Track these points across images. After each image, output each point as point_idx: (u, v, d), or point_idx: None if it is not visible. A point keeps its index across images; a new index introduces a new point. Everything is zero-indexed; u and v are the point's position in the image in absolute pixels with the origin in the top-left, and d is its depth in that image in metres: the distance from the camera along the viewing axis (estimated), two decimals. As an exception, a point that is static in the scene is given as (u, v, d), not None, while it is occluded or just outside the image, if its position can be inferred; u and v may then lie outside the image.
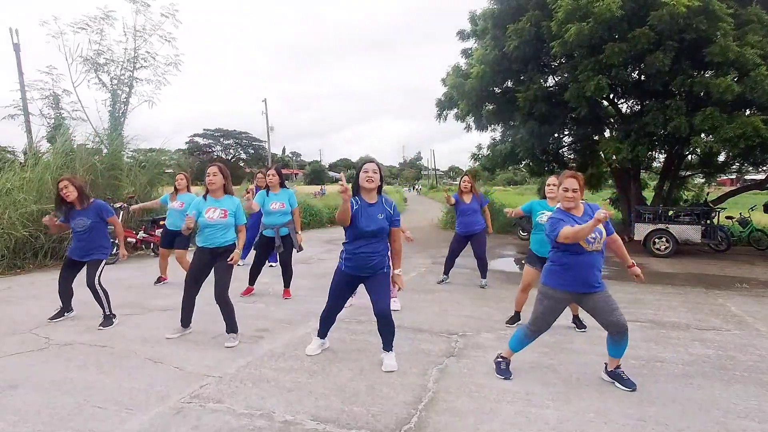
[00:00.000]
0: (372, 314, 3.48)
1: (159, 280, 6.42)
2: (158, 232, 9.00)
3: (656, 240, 9.23)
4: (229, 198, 4.05)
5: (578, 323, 4.40)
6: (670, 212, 10.03)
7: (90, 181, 8.80)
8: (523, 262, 8.91)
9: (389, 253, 3.43)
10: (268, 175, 5.46)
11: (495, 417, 2.70)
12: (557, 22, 8.26)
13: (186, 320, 4.18)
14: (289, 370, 3.36)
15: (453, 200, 6.16)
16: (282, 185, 5.46)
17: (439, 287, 6.26)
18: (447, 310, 5.08)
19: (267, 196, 5.40)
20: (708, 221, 9.71)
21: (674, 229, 9.21)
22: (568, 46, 8.27)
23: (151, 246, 8.98)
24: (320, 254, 9.25)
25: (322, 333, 3.73)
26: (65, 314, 4.69)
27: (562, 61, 9.44)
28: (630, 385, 3.10)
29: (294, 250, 5.51)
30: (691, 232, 9.21)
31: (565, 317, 4.47)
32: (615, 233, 3.19)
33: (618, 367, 3.20)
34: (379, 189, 3.33)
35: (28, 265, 7.63)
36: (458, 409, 2.79)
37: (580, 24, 7.93)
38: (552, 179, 4.35)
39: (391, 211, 3.29)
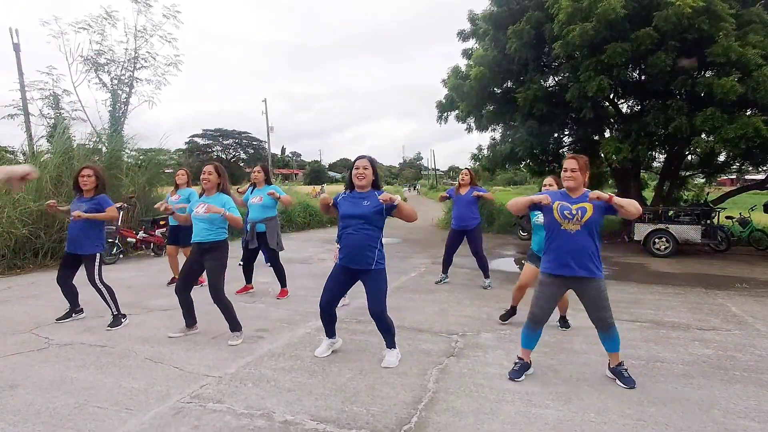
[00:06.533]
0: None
1: (172, 280, 6.25)
2: (158, 232, 9.01)
3: (656, 240, 9.22)
4: (219, 196, 4.06)
5: (563, 323, 4.38)
6: (670, 212, 10.03)
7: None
8: (522, 261, 8.97)
9: (382, 250, 3.42)
10: (254, 172, 5.66)
11: (495, 417, 2.70)
12: (558, 23, 8.26)
13: (188, 319, 4.19)
14: (289, 370, 3.36)
15: (447, 195, 6.31)
16: (267, 182, 5.65)
17: (439, 287, 6.25)
18: (447, 310, 5.07)
19: (251, 192, 5.65)
20: (708, 221, 9.70)
21: (674, 229, 9.21)
22: (571, 46, 8.27)
23: (151, 246, 8.98)
24: (320, 254, 9.24)
25: (327, 331, 3.69)
26: (73, 315, 4.58)
27: (563, 61, 9.43)
28: (629, 382, 3.10)
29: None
30: (691, 232, 9.20)
31: (554, 316, 4.46)
32: (614, 206, 2.89)
33: (620, 364, 3.20)
34: (375, 184, 3.42)
35: (28, 265, 7.62)
36: (458, 409, 2.79)
37: (583, 24, 7.93)
38: (548, 179, 4.30)
39: (376, 202, 3.27)
